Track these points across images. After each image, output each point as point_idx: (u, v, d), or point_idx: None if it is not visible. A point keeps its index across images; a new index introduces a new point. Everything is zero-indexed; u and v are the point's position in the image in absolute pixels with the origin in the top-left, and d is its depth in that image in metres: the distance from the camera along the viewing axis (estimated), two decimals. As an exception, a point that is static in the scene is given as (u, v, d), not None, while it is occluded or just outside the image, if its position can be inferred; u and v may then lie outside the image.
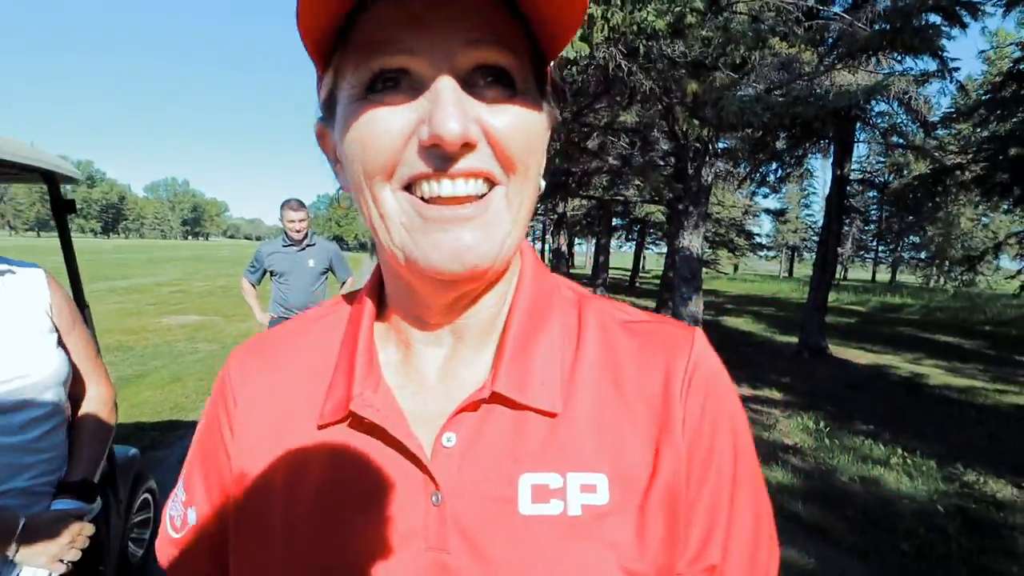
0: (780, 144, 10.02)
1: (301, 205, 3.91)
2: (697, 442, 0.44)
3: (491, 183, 0.38)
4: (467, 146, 0.35)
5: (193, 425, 4.72)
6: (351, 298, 0.53)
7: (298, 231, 3.90)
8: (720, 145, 10.44)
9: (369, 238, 7.26)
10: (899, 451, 4.97)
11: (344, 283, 4.32)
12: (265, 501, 0.45)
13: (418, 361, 0.46)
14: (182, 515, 0.51)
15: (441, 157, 0.35)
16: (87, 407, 1.29)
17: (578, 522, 0.40)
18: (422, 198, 0.37)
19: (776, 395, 7.16)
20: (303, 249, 3.99)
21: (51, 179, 1.84)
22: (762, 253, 35.46)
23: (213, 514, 0.49)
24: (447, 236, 0.37)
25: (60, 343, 1.21)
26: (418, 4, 0.35)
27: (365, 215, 0.40)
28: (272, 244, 4.05)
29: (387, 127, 0.36)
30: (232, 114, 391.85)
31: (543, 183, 0.44)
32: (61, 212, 1.92)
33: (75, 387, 1.26)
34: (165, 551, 0.52)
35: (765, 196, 19.57)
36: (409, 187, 0.37)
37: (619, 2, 4.21)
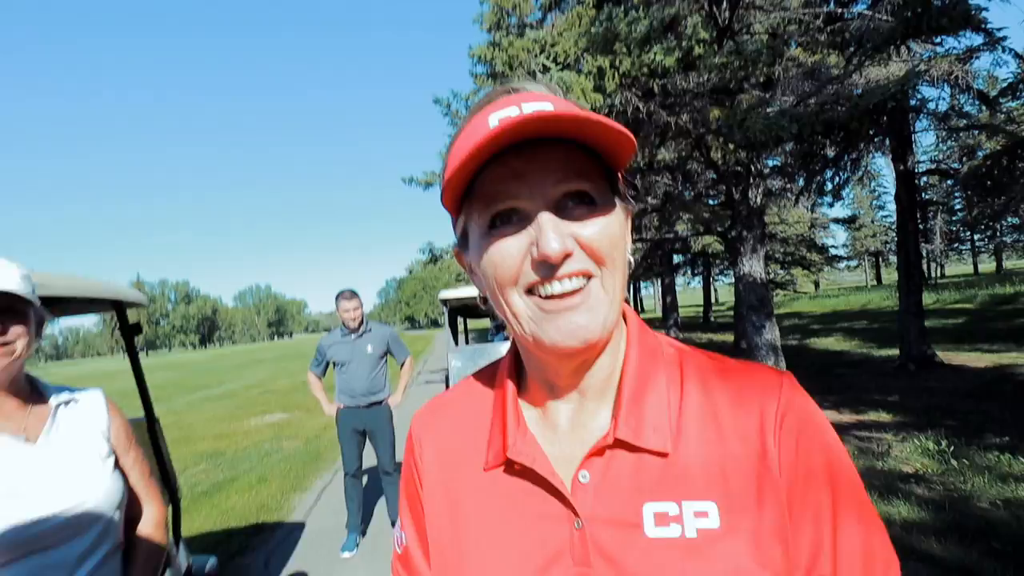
0: (830, 151, 9.59)
1: (354, 294, 4.08)
2: (794, 474, 0.50)
3: (589, 276, 0.50)
4: (566, 256, 0.48)
5: (279, 525, 4.82)
6: (495, 368, 0.67)
7: (354, 319, 4.04)
8: (769, 163, 10.14)
9: (437, 314, 7.44)
10: (1047, 464, 4.29)
11: (403, 364, 4.38)
12: (446, 523, 0.59)
13: (553, 415, 0.58)
14: (400, 538, 0.68)
15: (549, 267, 0.48)
16: (141, 529, 1.32)
17: (694, 543, 0.48)
18: (540, 296, 0.49)
19: (885, 417, 6.46)
20: (361, 336, 4.12)
21: (119, 307, 2.00)
22: (842, 265, 33.24)
23: (415, 535, 0.65)
24: (564, 321, 0.49)
25: (117, 465, 1.26)
26: (518, 162, 0.48)
27: (500, 312, 0.54)
28: (331, 336, 4.21)
29: (509, 251, 0.49)
30: (303, 219, 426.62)
31: (632, 260, 0.57)
32: (129, 335, 2.08)
33: (130, 508, 1.29)
34: (393, 565, 0.69)
35: (831, 205, 18.57)
36: (530, 290, 0.50)
37: (625, 49, 4.30)
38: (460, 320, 9.06)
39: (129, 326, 2.05)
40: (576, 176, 0.49)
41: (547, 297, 0.49)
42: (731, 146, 4.82)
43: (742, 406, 0.53)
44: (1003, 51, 5.57)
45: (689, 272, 29.42)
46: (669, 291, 23.43)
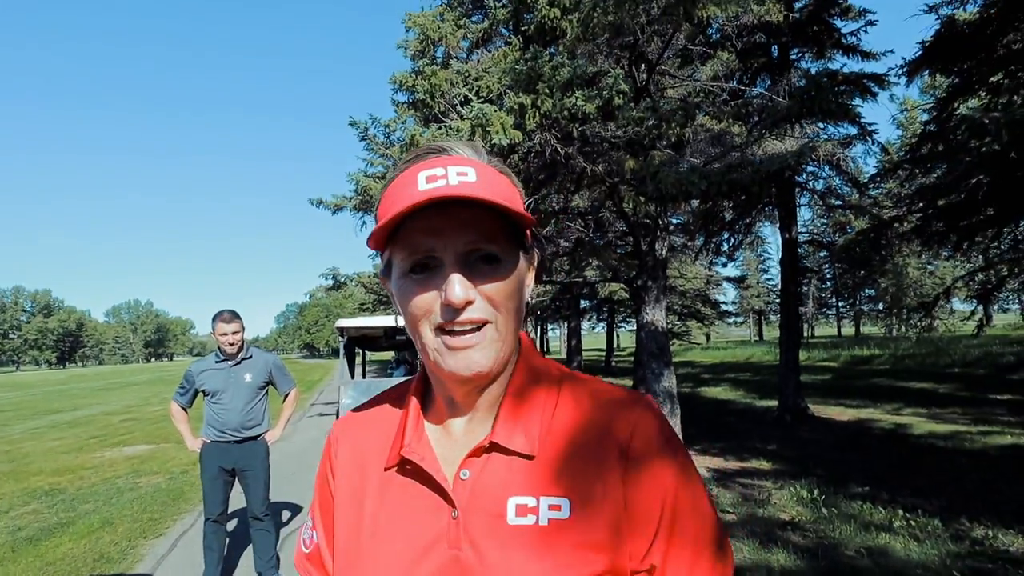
0: (728, 215, 10.43)
1: (235, 316, 3.65)
2: (636, 482, 0.59)
3: (486, 323, 0.59)
4: (468, 303, 0.57)
5: (119, 578, 4.10)
6: (407, 384, 0.74)
7: (232, 344, 3.60)
8: (673, 220, 10.83)
9: (336, 344, 7.00)
10: (900, 512, 4.69)
11: (286, 396, 3.97)
12: (350, 518, 0.67)
13: (451, 426, 0.67)
14: (310, 537, 0.74)
15: (454, 310, 0.57)
16: None
17: (545, 530, 0.58)
18: (446, 333, 0.59)
19: (765, 465, 6.84)
20: (239, 363, 3.68)
21: None
22: (730, 320, 35.99)
23: (323, 535, 0.72)
24: (463, 356, 0.58)
25: None
26: (439, 220, 0.56)
27: (415, 342, 0.62)
28: (204, 361, 3.74)
29: (423, 295, 0.58)
30: (193, 230, 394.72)
31: (530, 300, 0.68)
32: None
33: None
34: (300, 564, 0.74)
35: (724, 265, 20.18)
36: (439, 328, 0.59)
37: (547, 91, 4.40)
38: (359, 352, 8.57)
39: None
40: (483, 238, 0.58)
41: (451, 334, 0.58)
42: (642, 198, 5.03)
43: (601, 420, 0.62)
44: (872, 143, 6.43)
45: (595, 317, 30.49)
46: (575, 334, 24.04)
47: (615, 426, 0.62)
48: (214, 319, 3.63)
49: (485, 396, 0.65)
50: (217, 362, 3.67)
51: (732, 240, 11.72)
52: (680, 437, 0.65)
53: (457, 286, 0.56)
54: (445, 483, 0.62)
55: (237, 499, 3.97)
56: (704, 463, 7.01)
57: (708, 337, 48.86)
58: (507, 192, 0.61)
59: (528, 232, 0.64)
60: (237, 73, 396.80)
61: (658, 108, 4.64)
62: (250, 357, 3.74)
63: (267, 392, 3.87)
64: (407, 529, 0.62)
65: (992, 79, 7.79)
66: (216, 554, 3.68)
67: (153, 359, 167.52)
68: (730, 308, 33.78)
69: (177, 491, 6.65)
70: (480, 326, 0.58)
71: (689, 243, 12.60)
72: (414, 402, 0.70)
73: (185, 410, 3.78)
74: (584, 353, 35.13)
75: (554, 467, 0.60)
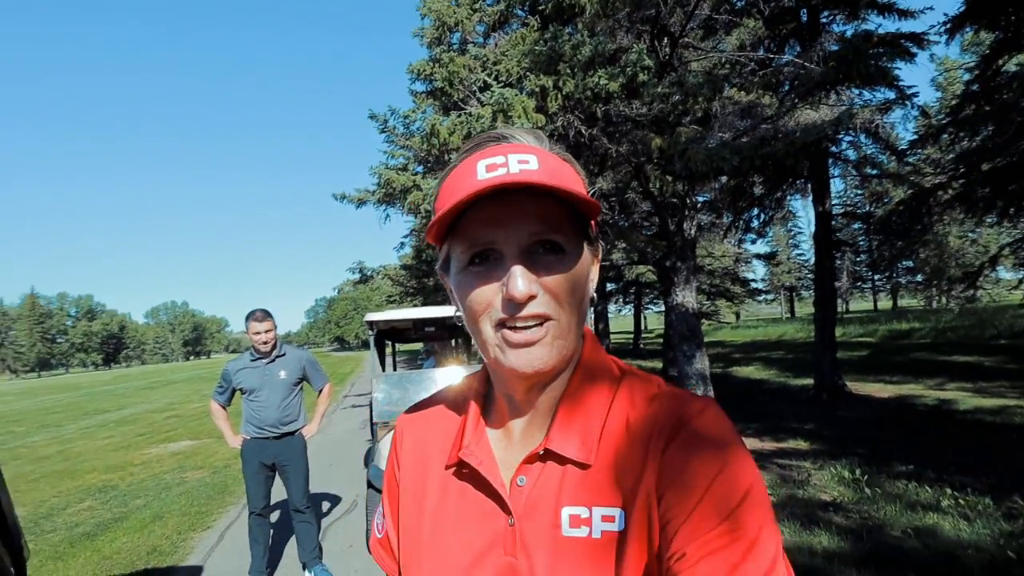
0: (758, 190, 10.13)
1: (267, 315, 3.70)
2: (673, 485, 0.54)
3: (548, 319, 0.56)
4: (531, 297, 0.55)
5: (172, 571, 4.25)
6: (470, 380, 0.73)
7: (265, 343, 3.66)
8: (700, 198, 10.57)
9: (366, 336, 7.09)
10: (948, 491, 4.53)
11: (320, 391, 4.03)
12: (413, 512, 0.68)
13: (511, 426, 0.65)
14: (381, 523, 0.75)
15: (516, 304, 0.55)
16: None
17: (598, 543, 0.56)
18: (507, 328, 0.56)
19: (803, 445, 6.69)
20: (273, 361, 3.74)
21: None
22: (761, 298, 35.27)
23: (392, 523, 0.72)
24: (524, 352, 0.56)
25: None
26: (498, 209, 0.54)
27: (475, 338, 0.60)
28: (239, 360, 3.81)
29: (483, 289, 0.56)
30: (226, 233, 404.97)
31: (595, 296, 0.64)
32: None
33: None
34: (373, 548, 0.76)
35: (753, 242, 19.72)
36: (500, 323, 0.56)
37: (569, 71, 4.28)
38: (389, 344, 8.66)
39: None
40: (548, 228, 0.55)
41: (512, 329, 0.56)
42: (669, 178, 4.90)
43: (652, 423, 0.58)
44: (911, 107, 6.13)
45: (621, 300, 30.21)
46: (602, 318, 23.87)
47: (666, 422, 0.58)
48: (247, 319, 3.69)
49: (545, 395, 0.63)
50: (252, 360, 3.73)
51: (762, 216, 11.40)
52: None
53: (520, 279, 0.53)
54: (502, 489, 0.61)
55: (279, 492, 4.07)
56: (740, 445, 6.89)
57: (738, 316, 47.99)
58: (571, 179, 0.58)
59: (593, 223, 0.62)
60: (254, 73, 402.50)
61: (684, 82, 4.47)
62: (283, 355, 3.80)
63: (302, 388, 3.93)
64: (465, 532, 0.62)
65: (1040, 32, 7.32)
66: (261, 546, 3.77)
67: (192, 357, 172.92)
68: (760, 286, 33.09)
69: (221, 485, 6.85)
70: (543, 321, 0.56)
71: (717, 221, 12.31)
72: (477, 399, 0.69)
73: (224, 408, 3.87)
74: (612, 336, 34.90)
75: (608, 475, 0.58)
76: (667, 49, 5.23)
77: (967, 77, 8.39)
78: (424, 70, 6.31)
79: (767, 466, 5.87)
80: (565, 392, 0.63)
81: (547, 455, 0.60)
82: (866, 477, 5.05)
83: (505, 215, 0.54)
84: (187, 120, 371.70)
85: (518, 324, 0.55)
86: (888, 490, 4.74)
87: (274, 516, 5.18)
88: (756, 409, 9.16)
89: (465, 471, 0.64)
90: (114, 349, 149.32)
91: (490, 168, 0.55)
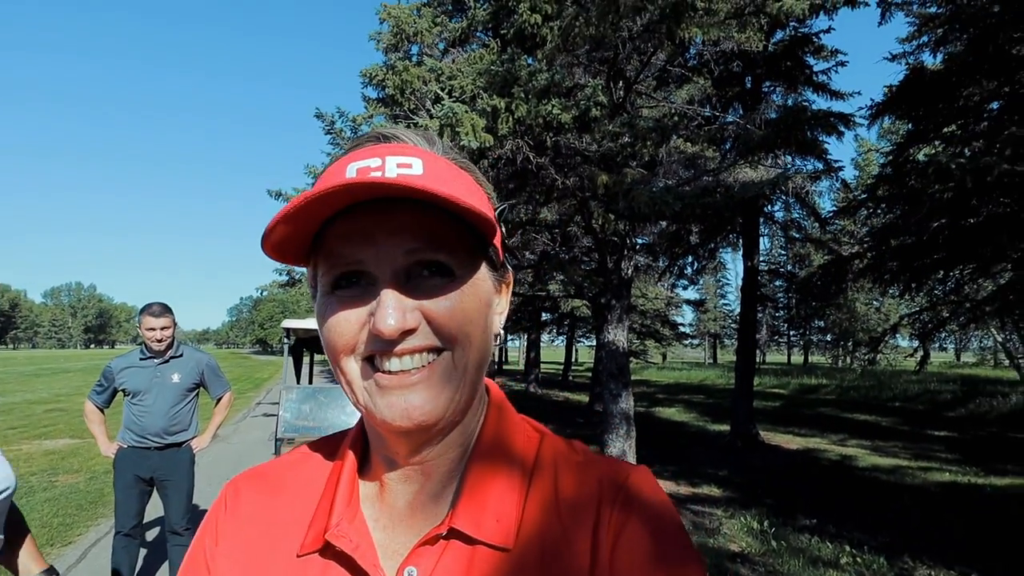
0: (694, 238, 10.57)
1: (165, 310, 3.33)
2: (609, 550, 0.46)
3: (437, 350, 0.45)
4: (406, 332, 0.43)
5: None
6: (341, 437, 0.58)
7: (159, 340, 3.28)
8: (639, 240, 10.88)
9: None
10: (847, 548, 4.72)
11: (219, 400, 3.65)
12: None
13: (391, 496, 0.51)
14: None
15: (387, 341, 0.43)
16: None
17: None
18: (378, 369, 0.44)
19: (716, 492, 6.84)
20: (166, 362, 3.35)
21: None
22: (687, 342, 36.70)
23: None
24: (397, 398, 0.44)
25: None
26: (368, 220, 0.43)
27: (338, 379, 0.48)
28: (127, 357, 3.39)
29: (347, 319, 0.44)
30: (146, 214, 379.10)
31: (500, 323, 0.52)
32: None
33: None
34: None
35: (685, 288, 20.51)
36: (370, 358, 0.45)
37: (523, 95, 4.26)
38: (309, 354, 8.20)
39: None
40: (429, 245, 0.44)
41: (385, 372, 0.44)
42: (612, 216, 4.95)
43: (583, 499, 0.49)
44: (836, 179, 6.61)
45: (555, 331, 30.51)
46: (534, 347, 23.97)
47: (603, 497, 0.48)
48: (141, 312, 3.30)
49: (440, 458, 0.50)
50: (141, 359, 3.33)
51: (696, 264, 11.89)
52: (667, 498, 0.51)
53: (390, 309, 0.42)
54: None
55: (156, 509, 3.62)
56: (656, 487, 6.94)
57: (664, 357, 49.63)
58: (464, 190, 0.47)
59: (497, 243, 0.50)
60: (206, 58, 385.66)
61: (635, 125, 4.57)
62: (180, 356, 3.42)
63: (197, 395, 3.55)
64: None
65: (946, 129, 8.21)
66: (127, 570, 3.32)
67: (93, 345, 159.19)
68: (687, 330, 34.41)
69: (96, 493, 6.15)
70: (428, 359, 0.45)
71: (653, 264, 12.71)
72: (350, 461, 0.53)
73: (101, 410, 3.42)
74: (542, 366, 35.01)
75: (532, 562, 0.46)
76: (621, 92, 5.36)
77: (882, 160, 9.24)
78: (377, 75, 6.15)
79: (683, 511, 5.91)
80: (474, 453, 0.51)
81: (451, 535, 0.47)
82: (773, 529, 5.18)
83: (376, 229, 0.43)
84: (125, 87, 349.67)
85: (392, 366, 0.44)
86: (792, 543, 4.87)
87: (150, 535, 4.65)
88: (675, 452, 9.34)
89: (329, 559, 0.48)
90: (1, 328, 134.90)
91: (361, 172, 0.44)
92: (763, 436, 10.38)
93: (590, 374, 18.51)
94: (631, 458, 6.40)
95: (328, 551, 0.48)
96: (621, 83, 5.53)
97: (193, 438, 3.49)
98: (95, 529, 5.05)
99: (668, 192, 4.26)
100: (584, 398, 17.82)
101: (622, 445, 6.29)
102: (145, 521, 3.53)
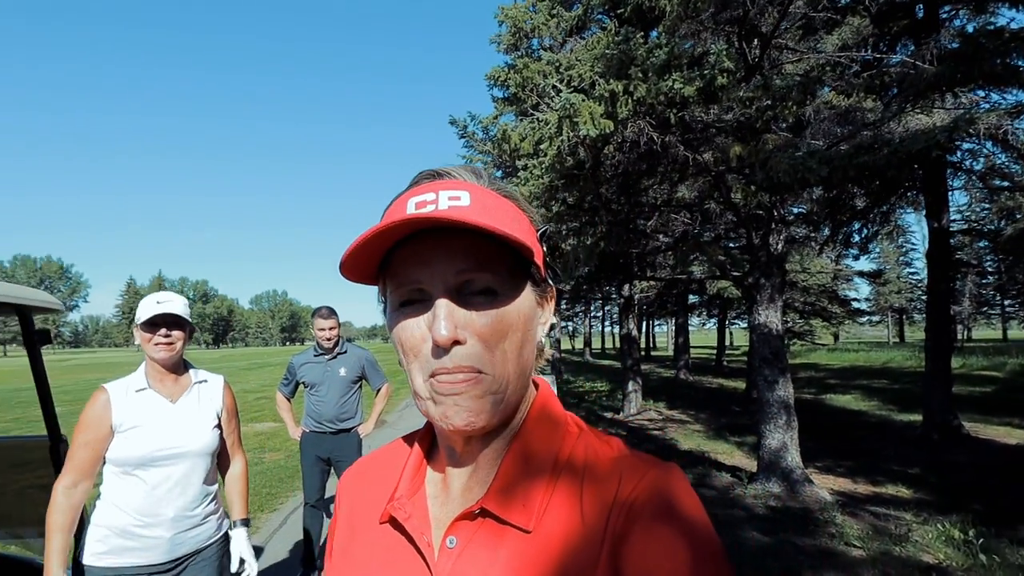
0: (860, 202, 9.23)
1: (332, 313, 3.84)
2: (627, 551, 0.50)
3: (479, 371, 0.52)
4: (456, 342, 0.51)
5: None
6: (422, 429, 0.69)
7: (328, 339, 3.79)
8: (793, 210, 9.79)
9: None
10: (1088, 569, 3.81)
11: (379, 391, 4.09)
12: (343, 571, 0.63)
13: (449, 479, 0.62)
14: (326, 570, 0.70)
15: (443, 351, 0.51)
16: (231, 471, 2.12)
17: None
18: (436, 379, 0.53)
19: (905, 492, 5.95)
20: (334, 358, 3.86)
21: (22, 312, 1.76)
22: (864, 319, 32.34)
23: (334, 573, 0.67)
24: (451, 403, 0.52)
25: (219, 426, 1.98)
26: (425, 248, 0.52)
27: (409, 382, 0.57)
28: (304, 354, 3.96)
29: (412, 331, 0.54)
30: (325, 227, 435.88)
31: (543, 332, 0.61)
32: (33, 343, 1.82)
33: (223, 458, 2.08)
34: None
35: (856, 258, 18.04)
36: (431, 371, 0.53)
37: (641, 75, 4.05)
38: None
39: (33, 333, 1.79)
40: (478, 266, 0.52)
41: (439, 378, 0.52)
42: (752, 188, 4.52)
43: (605, 490, 0.54)
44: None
45: (704, 313, 28.82)
46: (682, 331, 22.90)
47: (621, 491, 0.54)
48: (313, 315, 3.84)
49: (488, 449, 0.59)
50: (315, 355, 3.87)
51: (865, 231, 10.37)
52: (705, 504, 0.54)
53: (443, 320, 0.51)
54: (428, 549, 0.56)
55: (334, 487, 4.17)
56: (827, 484, 6.25)
57: (836, 337, 44.26)
58: (507, 217, 0.56)
59: (539, 261, 0.58)
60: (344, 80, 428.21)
61: (769, 86, 4.09)
62: (345, 352, 3.90)
63: (360, 386, 4.01)
64: None
65: None
66: (314, 536, 3.88)
67: (288, 343, 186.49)
68: (863, 306, 30.30)
69: (294, 468, 7.21)
70: (473, 375, 0.52)
71: (813, 234, 11.34)
72: (418, 449, 0.65)
73: (288, 399, 4.03)
74: (693, 351, 33.29)
75: (553, 544, 0.53)
76: (757, 51, 4.82)
77: None
78: (500, 76, 6.32)
79: (859, 513, 5.26)
80: (512, 447, 0.59)
81: (483, 514, 0.56)
82: (981, 540, 4.36)
83: (431, 254, 0.52)
84: (313, 112, 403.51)
85: (446, 373, 0.52)
86: (1009, 558, 4.08)
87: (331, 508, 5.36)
88: (851, 446, 8.32)
89: (395, 527, 0.60)
90: (223, 331, 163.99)
91: (419, 205, 0.54)
92: (968, 428, 8.75)
93: (746, 359, 17.18)
94: (793, 452, 5.83)
95: (394, 520, 0.60)
96: (756, 41, 4.99)
97: (359, 424, 3.96)
98: (294, 499, 5.94)
99: (811, 156, 3.72)
100: (740, 384, 16.61)
101: (782, 437, 5.75)
102: (328, 496, 4.09)
